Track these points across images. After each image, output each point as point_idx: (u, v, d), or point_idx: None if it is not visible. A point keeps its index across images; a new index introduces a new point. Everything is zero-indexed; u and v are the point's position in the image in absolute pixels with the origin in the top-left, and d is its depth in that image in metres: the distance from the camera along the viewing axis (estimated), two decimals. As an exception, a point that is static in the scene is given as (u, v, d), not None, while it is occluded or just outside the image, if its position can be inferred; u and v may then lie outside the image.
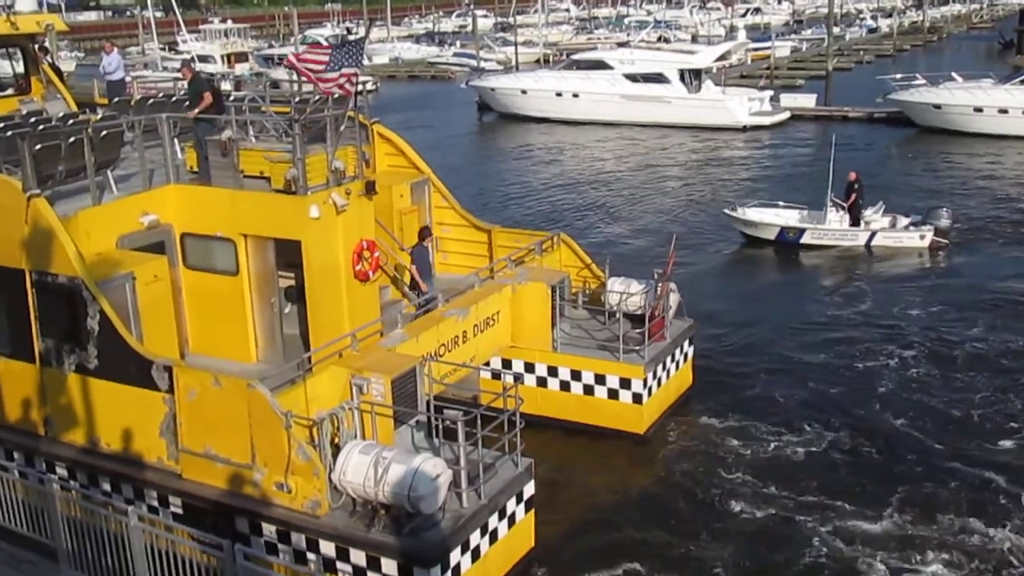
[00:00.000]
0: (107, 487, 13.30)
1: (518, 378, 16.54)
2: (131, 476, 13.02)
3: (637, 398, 16.37)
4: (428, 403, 13.21)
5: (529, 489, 12.92)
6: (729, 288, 25.01)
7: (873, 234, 27.47)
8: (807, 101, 52.15)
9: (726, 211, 29.07)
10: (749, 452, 16.29)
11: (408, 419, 12.99)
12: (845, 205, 27.66)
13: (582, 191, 36.37)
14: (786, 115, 50.01)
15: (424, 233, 17.25)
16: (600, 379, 16.43)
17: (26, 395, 14.02)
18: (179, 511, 12.67)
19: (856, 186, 27.59)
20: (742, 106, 48.84)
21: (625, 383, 16.34)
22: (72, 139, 14.61)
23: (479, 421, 11.93)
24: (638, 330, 16.66)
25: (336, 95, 14.74)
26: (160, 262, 14.11)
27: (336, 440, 12.10)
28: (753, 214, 28.60)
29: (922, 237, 27.25)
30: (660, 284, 17.18)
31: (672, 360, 17.43)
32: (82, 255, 13.31)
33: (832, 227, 27.65)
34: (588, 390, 16.54)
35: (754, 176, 38.75)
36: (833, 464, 15.91)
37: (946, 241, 27.18)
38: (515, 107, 54.18)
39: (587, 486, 15.24)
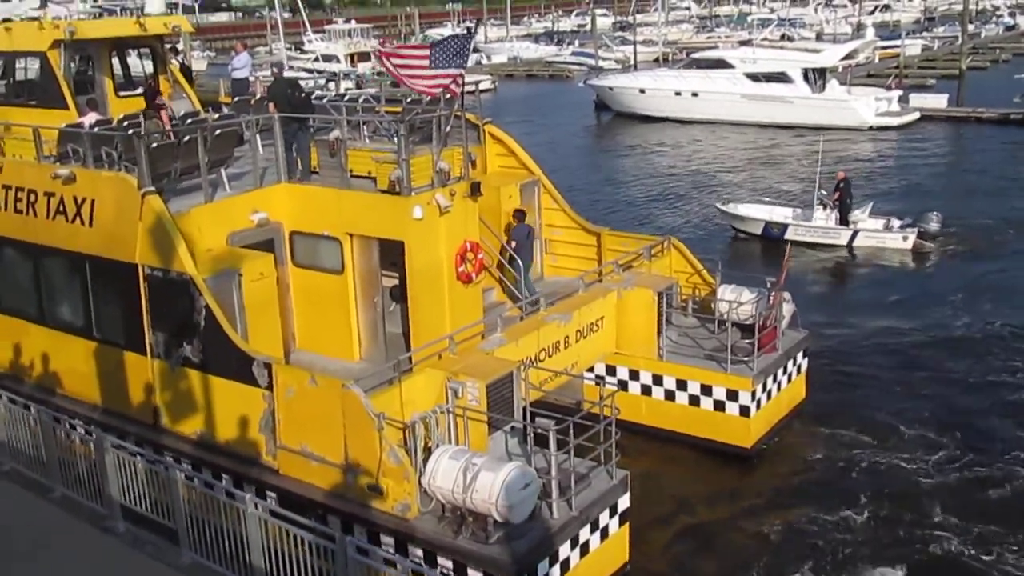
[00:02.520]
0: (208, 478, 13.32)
1: (622, 385, 16.33)
2: (231, 469, 13.12)
3: (744, 411, 15.76)
4: (524, 410, 12.88)
5: (624, 502, 12.53)
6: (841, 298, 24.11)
7: (855, 234, 27.41)
8: (938, 102, 49.82)
9: (718, 205, 29.83)
10: (864, 474, 15.41)
11: (503, 425, 12.69)
12: (832, 204, 27.66)
13: (699, 194, 35.43)
14: (915, 116, 47.96)
15: (520, 215, 16.87)
16: (706, 390, 15.93)
17: (137, 386, 14.30)
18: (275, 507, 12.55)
19: (842, 185, 27.57)
20: (868, 106, 47.10)
21: (732, 395, 15.76)
22: (187, 138, 14.76)
23: (572, 430, 11.52)
24: (748, 340, 16.07)
25: (437, 95, 14.45)
26: (266, 259, 14.18)
27: (429, 444, 11.92)
28: (741, 209, 29.06)
29: (905, 239, 27.08)
30: (773, 293, 16.54)
31: (784, 372, 16.74)
32: (192, 251, 13.47)
33: (815, 225, 27.76)
34: (693, 401, 16.09)
35: (878, 179, 37.14)
36: (963, 488, 14.90)
37: (931, 245, 27.05)
38: (633, 106, 53.34)
39: (687, 502, 14.82)
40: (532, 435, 12.40)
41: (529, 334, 14.43)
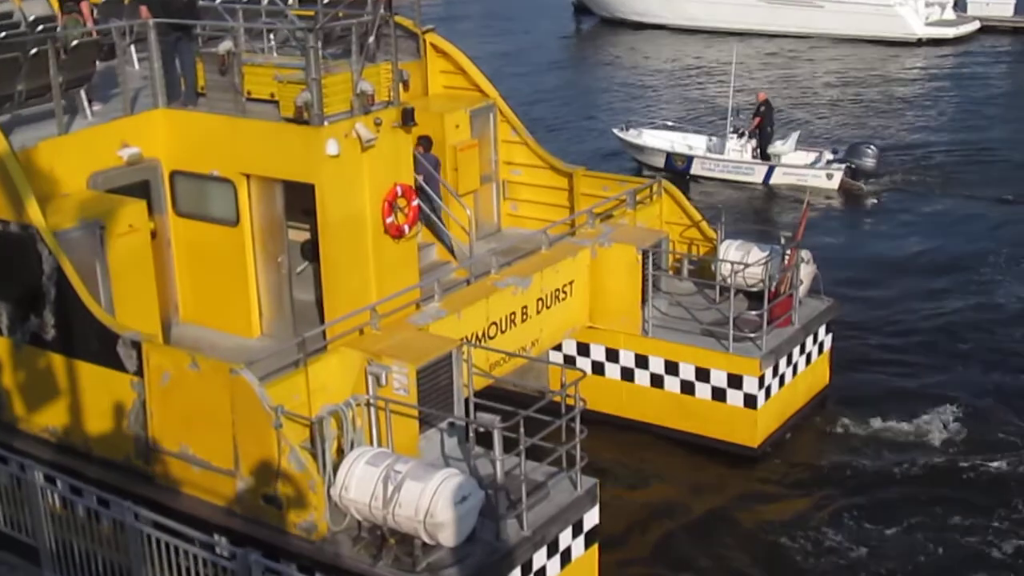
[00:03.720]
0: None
1: (597, 368, 16.42)
2: (92, 477, 12.82)
3: (750, 401, 15.80)
4: (467, 401, 12.85)
5: (591, 518, 12.46)
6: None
7: (772, 169, 28.01)
8: (1003, 10, 50.08)
9: (614, 130, 30.23)
10: (905, 484, 15.47)
11: (438, 421, 12.65)
12: (750, 132, 28.24)
13: (701, 122, 35.33)
14: (975, 26, 48.32)
15: (425, 142, 16.76)
16: (702, 374, 15.99)
17: (-28, 369, 14.08)
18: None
19: (762, 109, 28.07)
20: (917, 14, 47.31)
21: (735, 380, 15.80)
22: (35, 50, 14.41)
23: (522, 426, 11.39)
24: (756, 311, 16.11)
25: None
26: (138, 207, 13.93)
27: (342, 445, 11.84)
28: (640, 136, 29.44)
29: (829, 177, 27.71)
30: (788, 251, 16.51)
31: (801, 352, 16.79)
32: (40, 197, 13.15)
33: (725, 158, 28.34)
34: (686, 387, 16.17)
35: (921, 106, 37.48)
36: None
37: (860, 184, 27.99)
38: (622, 10, 52.91)
39: (674, 517, 14.88)
40: (475, 434, 12.38)
41: (475, 304, 14.34)
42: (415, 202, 14.99)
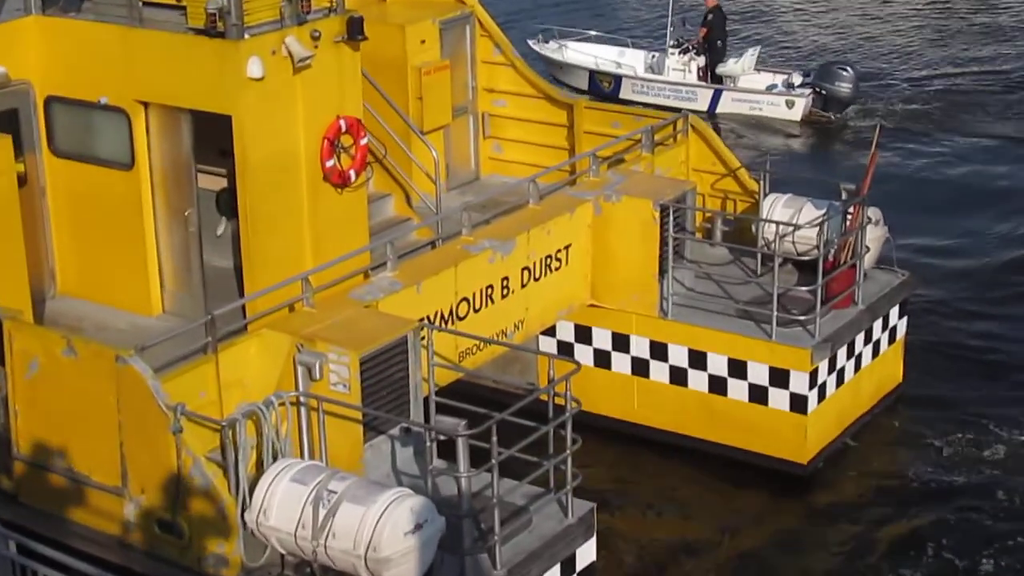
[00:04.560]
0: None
1: (601, 359, 16.45)
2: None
3: (799, 404, 15.79)
4: (428, 401, 12.84)
5: (586, 554, 12.48)
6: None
7: (719, 95, 28.56)
8: None
9: (530, 43, 31.10)
10: (1004, 519, 15.40)
11: (389, 427, 12.64)
12: (696, 46, 28.99)
13: (641, 32, 35.24)
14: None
15: None
16: (737, 368, 16.00)
17: None
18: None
19: (710, 18, 28.76)
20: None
21: (780, 377, 15.78)
22: None
23: (495, 433, 11.28)
24: (808, 287, 15.99)
25: None
26: (1, 144, 13.84)
27: (262, 456, 11.84)
28: (561, 51, 30.05)
29: (790, 105, 28.22)
30: (852, 208, 16.51)
31: (867, 340, 16.81)
32: None
33: (662, 78, 28.95)
34: (716, 386, 16.20)
35: (924, 13, 38.07)
36: None
37: (830, 116, 28.57)
38: None
39: (697, 555, 14.94)
40: (436, 443, 12.33)
41: (441, 274, 14.31)
42: (364, 140, 14.90)
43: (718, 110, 28.70)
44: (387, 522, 10.51)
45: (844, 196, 16.67)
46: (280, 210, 14.41)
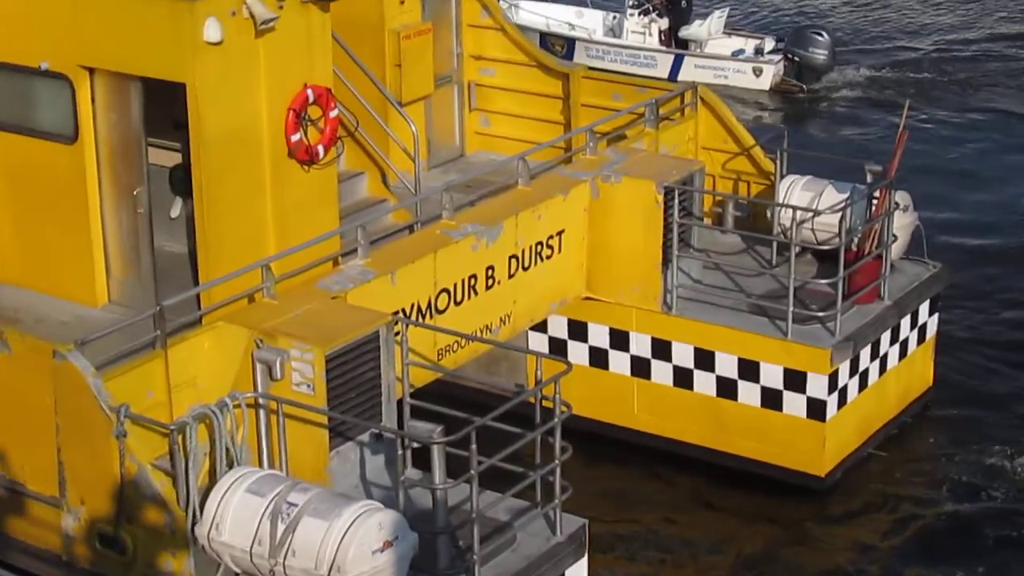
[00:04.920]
0: None
1: (597, 357, 16.46)
2: None
3: (817, 409, 15.81)
4: (402, 403, 12.83)
5: (577, 574, 12.48)
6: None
7: (680, 60, 29.03)
8: None
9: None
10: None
11: (359, 432, 12.65)
12: (658, 6, 29.62)
13: None
14: None
15: None
16: (749, 369, 16.07)
17: None
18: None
19: None
20: None
21: (796, 380, 15.81)
22: None
23: (474, 440, 11.21)
24: (829, 279, 16.03)
25: None
26: None
27: (215, 464, 11.85)
28: (512, 9, 30.21)
29: (757, 73, 28.62)
30: (878, 192, 16.52)
31: (893, 339, 16.84)
32: None
33: (620, 42, 29.51)
34: (725, 389, 16.26)
35: None
36: None
37: (801, 85, 28.91)
38: None
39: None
40: (409, 451, 12.33)
41: (419, 262, 14.30)
42: (334, 112, 14.85)
43: (679, 77, 28.64)
44: (353, 539, 10.48)
45: (869, 179, 16.63)
46: (240, 189, 14.30)
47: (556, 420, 12.00)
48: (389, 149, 17.14)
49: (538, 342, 16.67)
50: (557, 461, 12.05)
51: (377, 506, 10.89)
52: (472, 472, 11.35)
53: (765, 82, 28.53)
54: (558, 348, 16.68)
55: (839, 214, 16.05)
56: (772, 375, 15.86)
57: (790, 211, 16.33)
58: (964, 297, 20.07)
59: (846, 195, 16.50)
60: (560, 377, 12.09)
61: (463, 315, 14.72)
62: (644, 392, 16.50)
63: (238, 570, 11.16)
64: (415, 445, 12.05)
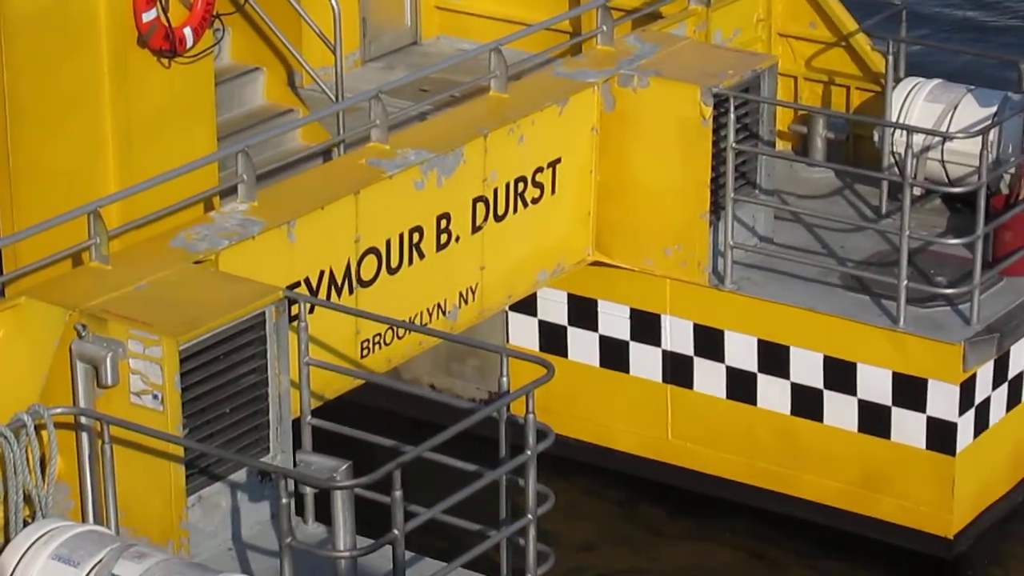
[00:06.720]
0: None
1: (611, 353, 16.81)
2: None
3: (942, 436, 16.04)
4: (298, 424, 13.02)
5: None
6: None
7: None
8: None
9: None
10: None
11: (233, 468, 12.78)
12: None
13: None
14: None
15: None
16: (839, 374, 16.34)
17: None
18: None
19: None
20: None
21: (911, 390, 16.07)
22: None
23: (398, 483, 11.07)
24: (963, 239, 16.24)
25: None
26: None
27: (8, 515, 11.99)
28: None
29: None
30: None
31: None
32: None
33: None
34: (803, 403, 16.58)
35: None
36: None
37: None
38: None
39: None
40: (309, 497, 12.78)
41: (331, 207, 14.43)
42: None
43: None
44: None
45: (1027, 84, 16.78)
46: (63, 96, 14.38)
47: (529, 453, 11.91)
48: (301, 34, 17.14)
49: (522, 330, 16.94)
50: (531, 517, 12.05)
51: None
52: (394, 532, 11.31)
53: None
54: (552, 339, 16.89)
55: (981, 139, 16.23)
56: (875, 383, 16.05)
57: (907, 133, 16.44)
58: None
59: (992, 110, 16.82)
60: (535, 387, 11.98)
61: (400, 289, 14.86)
62: (682, 407, 16.71)
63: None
64: (309, 490, 12.40)
